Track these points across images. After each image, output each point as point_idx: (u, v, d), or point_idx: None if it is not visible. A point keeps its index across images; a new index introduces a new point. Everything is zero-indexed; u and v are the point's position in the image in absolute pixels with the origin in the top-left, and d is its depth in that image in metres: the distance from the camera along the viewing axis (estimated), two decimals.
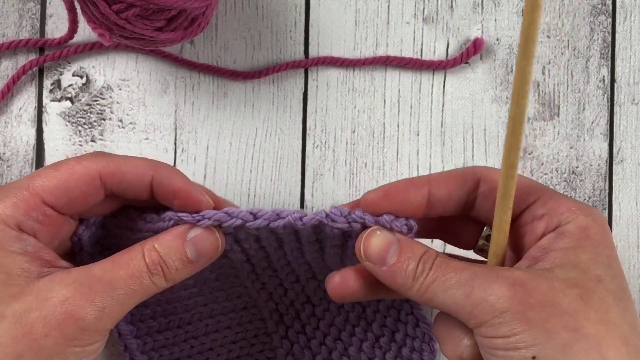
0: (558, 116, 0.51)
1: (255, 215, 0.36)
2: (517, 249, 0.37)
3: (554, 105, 0.51)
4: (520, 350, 0.31)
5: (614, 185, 0.51)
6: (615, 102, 0.51)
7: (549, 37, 0.51)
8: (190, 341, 0.44)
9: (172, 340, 0.43)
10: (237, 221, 0.36)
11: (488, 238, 0.38)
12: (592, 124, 0.51)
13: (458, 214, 0.38)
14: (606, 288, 0.33)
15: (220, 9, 0.50)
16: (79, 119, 0.49)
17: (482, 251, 0.39)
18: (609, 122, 0.51)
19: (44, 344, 0.32)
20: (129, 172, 0.37)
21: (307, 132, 0.50)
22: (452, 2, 0.51)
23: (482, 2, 0.51)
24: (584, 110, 0.51)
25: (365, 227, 0.36)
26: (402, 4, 0.50)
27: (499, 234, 0.35)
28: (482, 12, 0.51)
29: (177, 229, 0.36)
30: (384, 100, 0.50)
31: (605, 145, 0.51)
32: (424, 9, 0.50)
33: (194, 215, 0.36)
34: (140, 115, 0.49)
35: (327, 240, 0.38)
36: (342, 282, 0.37)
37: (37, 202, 0.35)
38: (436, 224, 0.40)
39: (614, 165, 0.51)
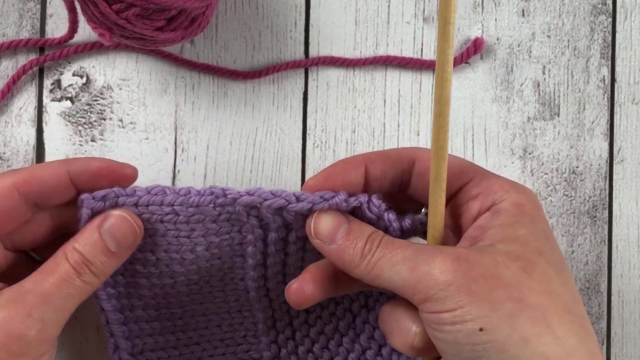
0: (558, 116, 0.51)
1: (298, 198, 0.37)
2: (455, 230, 0.38)
3: (554, 105, 0.51)
4: (467, 323, 0.31)
5: (614, 185, 0.51)
6: (615, 101, 0.51)
7: (549, 37, 0.51)
8: (178, 334, 0.44)
9: (158, 330, 0.43)
10: (280, 201, 0.36)
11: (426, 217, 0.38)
12: (592, 123, 0.51)
13: (396, 194, 0.39)
14: (547, 260, 0.34)
15: (221, 8, 0.50)
16: (79, 119, 0.49)
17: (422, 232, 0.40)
18: (609, 122, 0.51)
19: None
20: (44, 175, 0.37)
21: (307, 132, 0.50)
22: None
23: (482, 1, 0.51)
24: (584, 110, 0.51)
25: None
26: (402, 3, 0.50)
27: (435, 217, 0.36)
28: (482, 12, 0.51)
29: (91, 222, 0.37)
30: (384, 100, 0.50)
31: (606, 145, 0.51)
32: (424, 8, 0.50)
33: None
34: (140, 115, 0.49)
35: None
36: (300, 289, 0.38)
37: None
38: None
39: (614, 165, 0.51)
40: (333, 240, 0.36)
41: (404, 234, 0.38)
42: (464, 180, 0.37)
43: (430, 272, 0.32)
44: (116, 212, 0.37)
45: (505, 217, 0.35)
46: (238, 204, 0.37)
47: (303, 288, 0.37)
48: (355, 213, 0.38)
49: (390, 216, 0.37)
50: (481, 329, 0.31)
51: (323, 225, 0.36)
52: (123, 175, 0.38)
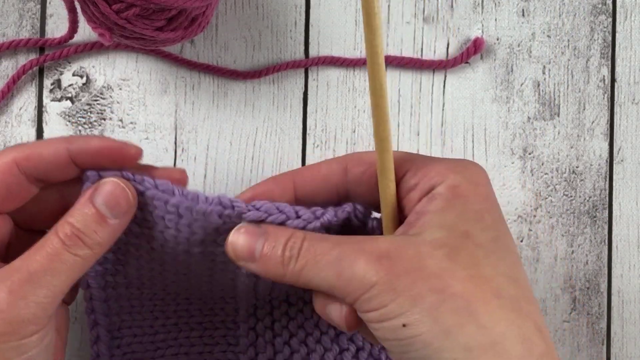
0: (558, 116, 0.51)
1: (297, 214, 0.36)
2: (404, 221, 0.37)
3: (554, 105, 0.51)
4: (391, 321, 0.31)
5: (614, 185, 0.51)
6: (615, 101, 0.51)
7: (549, 36, 0.51)
8: (157, 313, 0.44)
9: (137, 308, 0.43)
10: (281, 217, 0.36)
11: None
12: (592, 123, 0.51)
13: (338, 200, 0.38)
14: (475, 242, 0.33)
15: (221, 8, 0.50)
16: (79, 119, 0.49)
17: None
18: (609, 122, 0.51)
19: None
20: (44, 151, 0.36)
21: (307, 131, 0.50)
22: (452, 2, 0.51)
23: (482, 1, 0.51)
24: (584, 109, 0.51)
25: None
26: (402, 3, 0.50)
27: (387, 208, 0.35)
28: (482, 12, 0.51)
29: (83, 194, 0.36)
30: None
31: (606, 145, 0.51)
32: (424, 8, 0.50)
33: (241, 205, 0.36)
34: (140, 115, 0.49)
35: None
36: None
37: None
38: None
39: (614, 165, 0.51)
40: (253, 257, 0.35)
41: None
42: (401, 173, 0.36)
43: (354, 277, 0.32)
44: (108, 179, 0.36)
45: (439, 202, 0.34)
46: (244, 219, 0.36)
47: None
48: (345, 223, 0.38)
49: (374, 222, 0.37)
50: (404, 325, 0.31)
51: (239, 247, 0.35)
52: (126, 155, 0.37)
